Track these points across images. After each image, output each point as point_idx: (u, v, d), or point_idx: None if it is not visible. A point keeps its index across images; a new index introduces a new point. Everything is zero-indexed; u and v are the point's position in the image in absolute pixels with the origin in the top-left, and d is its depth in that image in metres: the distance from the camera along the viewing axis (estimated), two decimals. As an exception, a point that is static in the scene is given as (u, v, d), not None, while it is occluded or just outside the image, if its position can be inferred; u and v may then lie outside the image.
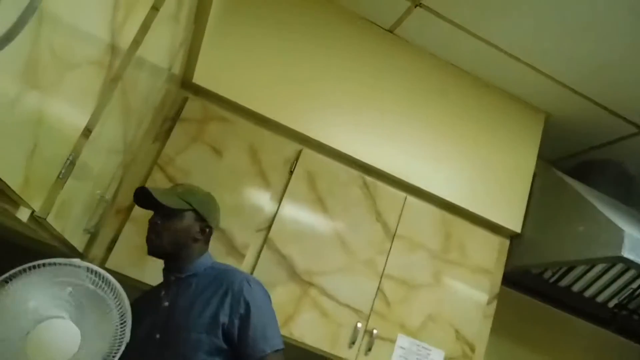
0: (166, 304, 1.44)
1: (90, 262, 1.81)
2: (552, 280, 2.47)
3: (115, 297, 1.25)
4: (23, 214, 0.91)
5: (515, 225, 2.34)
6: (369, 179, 2.22)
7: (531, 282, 2.54)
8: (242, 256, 1.99)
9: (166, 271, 1.51)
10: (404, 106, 2.34)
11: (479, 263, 2.26)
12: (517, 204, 2.38)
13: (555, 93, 2.40)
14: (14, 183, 0.71)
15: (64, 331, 1.17)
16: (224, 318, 1.38)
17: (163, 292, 1.48)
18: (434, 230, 2.25)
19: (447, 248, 2.24)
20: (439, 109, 2.39)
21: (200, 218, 1.50)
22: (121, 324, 1.26)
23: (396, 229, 2.19)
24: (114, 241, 1.89)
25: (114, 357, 1.25)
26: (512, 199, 2.39)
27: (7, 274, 1.15)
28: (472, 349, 2.16)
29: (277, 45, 2.22)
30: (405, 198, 2.24)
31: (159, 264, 1.51)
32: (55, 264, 1.20)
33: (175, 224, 1.46)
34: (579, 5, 1.90)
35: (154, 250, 1.47)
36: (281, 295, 1.97)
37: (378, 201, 2.20)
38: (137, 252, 1.85)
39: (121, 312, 1.25)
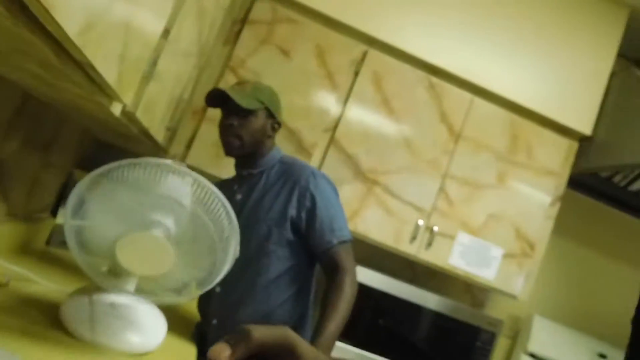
0: (239, 197, 1.53)
1: (172, 158, 1.98)
2: (622, 184, 2.43)
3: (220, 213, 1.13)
4: (116, 109, 1.03)
5: (586, 128, 2.27)
6: (435, 79, 2.21)
7: (599, 185, 2.51)
8: (310, 155, 2.10)
9: (239, 167, 1.58)
10: (472, 4, 2.25)
11: (545, 165, 2.25)
12: (590, 106, 2.29)
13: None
14: (111, 79, 0.81)
15: (159, 250, 1.05)
16: (292, 211, 1.46)
17: (236, 186, 1.56)
18: (500, 131, 2.24)
19: (513, 150, 2.24)
20: (510, 6, 2.27)
21: (271, 115, 1.53)
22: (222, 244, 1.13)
23: (461, 130, 2.20)
24: (191, 140, 2.05)
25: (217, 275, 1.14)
26: (585, 100, 2.29)
27: (121, 162, 1.06)
28: (532, 248, 2.22)
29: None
30: (472, 99, 2.22)
31: (233, 160, 1.61)
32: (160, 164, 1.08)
33: (252, 124, 1.48)
34: None
35: (234, 151, 1.51)
36: (347, 193, 2.09)
37: (444, 102, 2.20)
38: (214, 150, 2.00)
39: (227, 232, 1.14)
